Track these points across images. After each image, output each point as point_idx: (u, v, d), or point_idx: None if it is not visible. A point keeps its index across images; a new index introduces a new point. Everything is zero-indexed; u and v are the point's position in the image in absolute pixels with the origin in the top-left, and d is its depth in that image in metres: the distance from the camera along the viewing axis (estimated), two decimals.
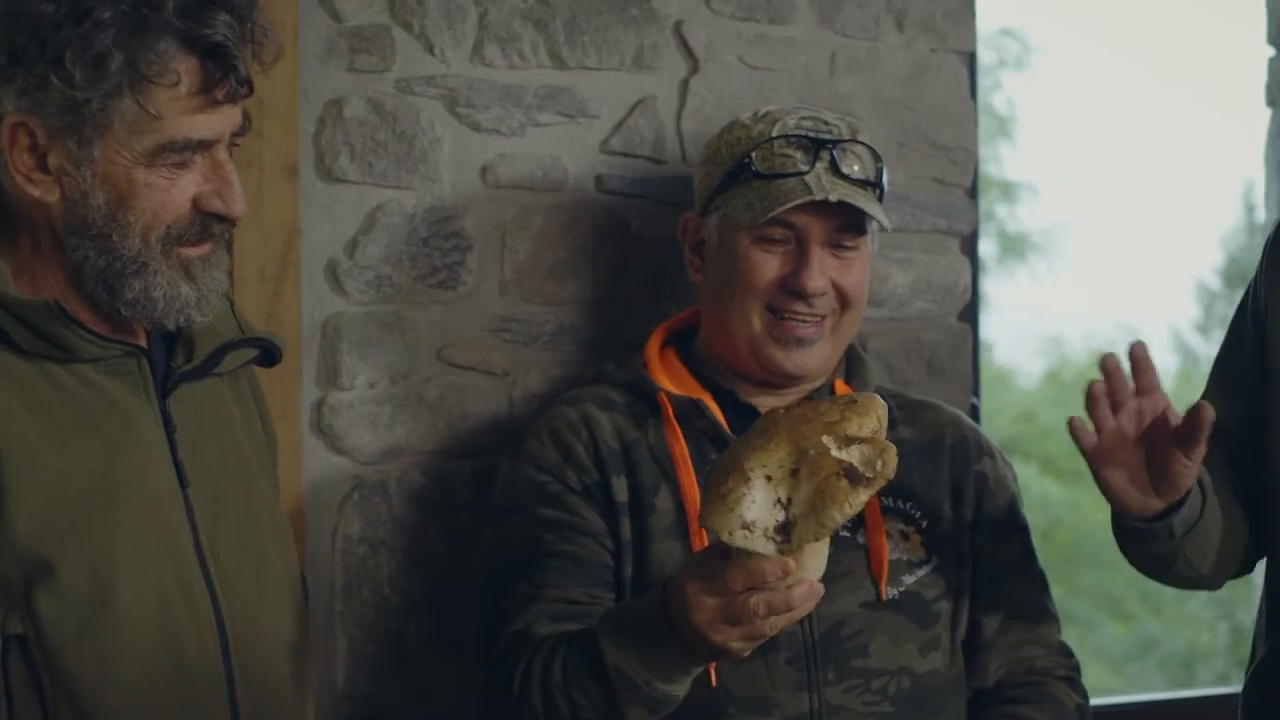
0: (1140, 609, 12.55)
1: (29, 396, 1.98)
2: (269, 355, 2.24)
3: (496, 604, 2.50)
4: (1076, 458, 2.45)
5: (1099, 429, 2.36)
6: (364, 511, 2.79)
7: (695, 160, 2.91)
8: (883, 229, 2.58)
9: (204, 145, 2.03)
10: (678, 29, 2.95)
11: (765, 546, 2.03)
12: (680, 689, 2.26)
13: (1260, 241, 2.70)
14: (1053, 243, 14.72)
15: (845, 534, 2.50)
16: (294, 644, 2.19)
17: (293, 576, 2.23)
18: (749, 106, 2.92)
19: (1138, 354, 2.36)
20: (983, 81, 10.56)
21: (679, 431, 2.55)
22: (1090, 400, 2.35)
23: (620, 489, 2.53)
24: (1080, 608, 12.22)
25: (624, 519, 2.51)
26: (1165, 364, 14.10)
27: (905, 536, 2.54)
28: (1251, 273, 2.63)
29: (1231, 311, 2.67)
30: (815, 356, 2.57)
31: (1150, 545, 2.42)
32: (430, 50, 2.81)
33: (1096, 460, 2.37)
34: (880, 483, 2.04)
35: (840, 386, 2.62)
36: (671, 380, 2.61)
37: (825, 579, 2.08)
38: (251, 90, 2.06)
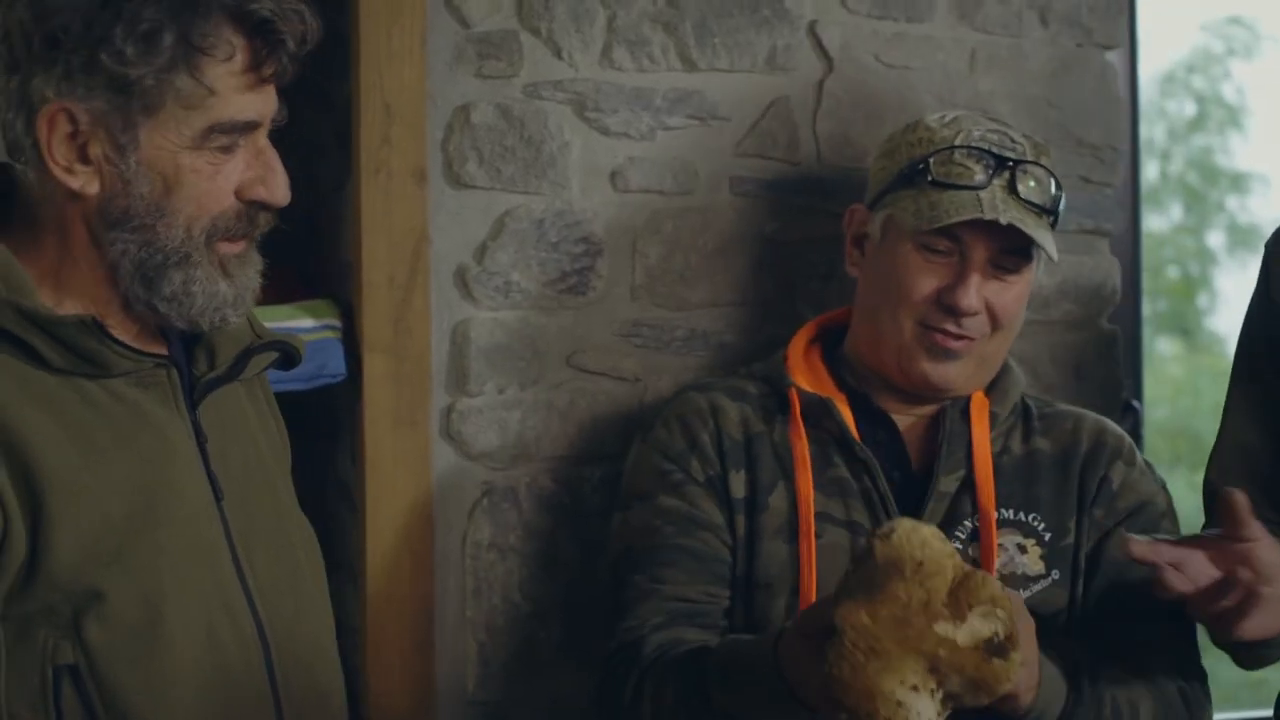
0: None
1: (64, 416, 1.91)
2: (288, 358, 2.17)
3: (615, 592, 2.50)
4: None
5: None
6: (493, 517, 2.78)
7: (830, 160, 2.88)
8: (1054, 257, 2.51)
9: (250, 127, 1.97)
10: (812, 29, 2.91)
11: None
12: None
13: None
14: None
15: (957, 546, 2.44)
16: (329, 651, 2.17)
17: (321, 583, 2.19)
18: (885, 106, 2.89)
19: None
20: (1211, 70, 10.34)
21: (803, 430, 2.51)
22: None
23: (738, 484, 2.50)
24: None
25: (739, 515, 2.49)
26: None
27: (1023, 550, 2.48)
28: None
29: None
30: (961, 371, 2.51)
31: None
32: (558, 54, 2.80)
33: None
34: (1012, 624, 1.99)
35: (979, 396, 2.55)
36: (808, 378, 2.57)
37: None
38: (299, 70, 1.99)
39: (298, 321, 2.71)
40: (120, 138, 1.91)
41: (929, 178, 2.48)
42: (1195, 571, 2.24)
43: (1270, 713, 2.58)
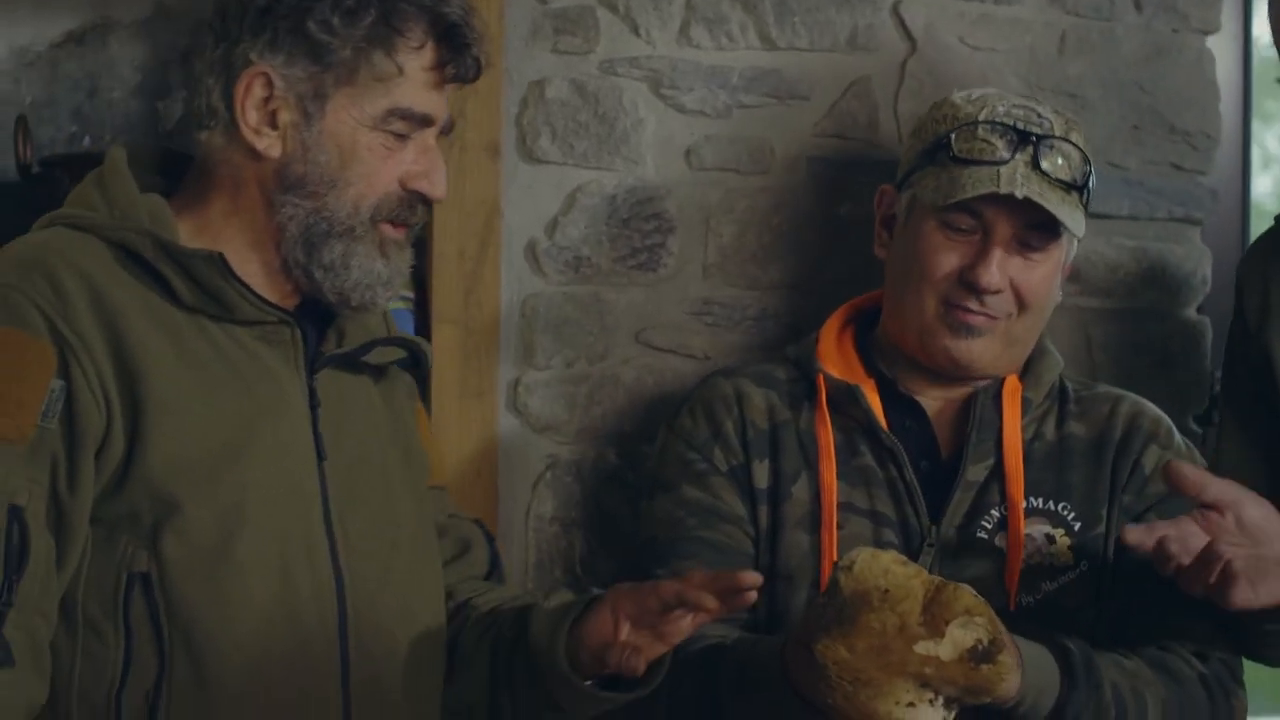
0: None
1: (184, 346, 2.06)
2: (415, 360, 2.29)
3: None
4: None
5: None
6: (557, 491, 2.80)
7: None
8: (1078, 234, 2.46)
9: (425, 122, 2.12)
10: (895, 9, 2.88)
11: None
12: None
13: None
14: None
15: (983, 536, 2.41)
16: (425, 628, 2.22)
17: (432, 573, 2.26)
18: (970, 89, 2.85)
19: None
20: None
21: (828, 418, 2.48)
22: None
23: (761, 475, 2.48)
24: None
25: (763, 506, 2.47)
26: None
27: (1051, 540, 2.42)
28: None
29: None
30: (986, 348, 2.45)
31: None
32: (635, 31, 2.80)
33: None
34: (994, 628, 2.01)
35: (1012, 381, 2.50)
36: (838, 362, 2.53)
37: None
38: (478, 75, 2.15)
39: None
40: (309, 106, 2.08)
41: (951, 153, 2.44)
42: (1195, 546, 2.20)
43: None
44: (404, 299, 2.76)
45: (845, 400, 2.49)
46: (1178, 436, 2.54)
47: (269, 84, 2.08)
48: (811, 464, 2.47)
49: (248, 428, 2.07)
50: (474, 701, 2.28)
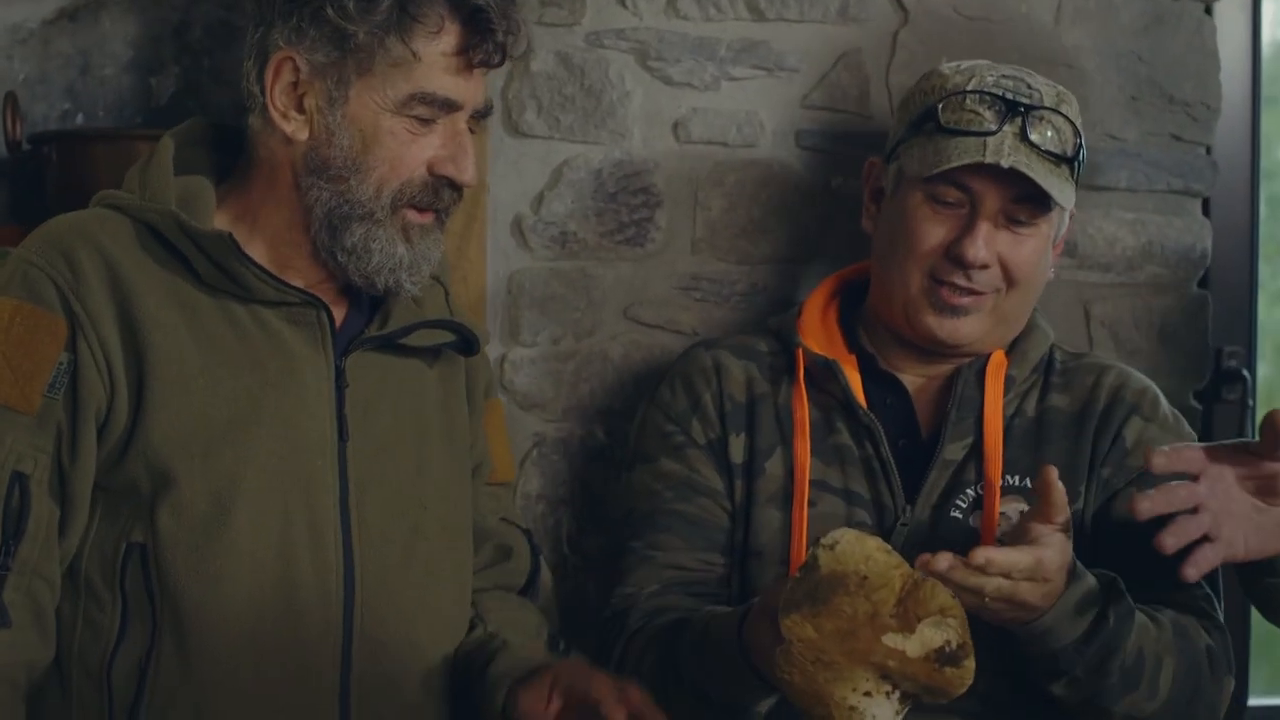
0: None
1: (199, 325, 2.11)
2: (467, 344, 2.30)
3: (615, 555, 2.50)
4: None
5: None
6: (544, 469, 2.78)
7: None
8: (1067, 206, 2.42)
9: (450, 107, 2.14)
10: None
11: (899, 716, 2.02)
12: (760, 704, 2.24)
13: None
14: None
15: (957, 515, 2.38)
16: (444, 613, 2.25)
17: (459, 560, 2.28)
18: (963, 59, 2.81)
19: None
20: None
21: (805, 394, 2.45)
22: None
23: (737, 449, 2.46)
24: None
25: (738, 480, 2.45)
26: None
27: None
28: None
29: None
30: (971, 326, 2.41)
31: None
32: (622, 3, 2.78)
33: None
34: (965, 632, 1.98)
35: (997, 358, 2.45)
36: (820, 337, 2.50)
37: None
38: (504, 60, 2.17)
39: None
40: (333, 91, 2.12)
41: (938, 124, 2.39)
42: (1210, 488, 2.14)
43: None
44: None
45: (824, 376, 2.45)
46: (1163, 407, 2.49)
47: (295, 69, 2.12)
48: (787, 439, 2.44)
49: (253, 407, 2.12)
50: None
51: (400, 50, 2.10)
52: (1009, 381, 2.45)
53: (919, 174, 2.39)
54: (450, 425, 2.30)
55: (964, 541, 2.34)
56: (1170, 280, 2.94)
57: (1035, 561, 2.09)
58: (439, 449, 2.27)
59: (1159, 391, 2.51)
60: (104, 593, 2.08)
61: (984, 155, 2.34)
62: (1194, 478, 2.15)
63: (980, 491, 2.39)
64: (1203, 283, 2.98)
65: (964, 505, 2.38)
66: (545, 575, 2.42)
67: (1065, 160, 2.39)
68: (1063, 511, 2.12)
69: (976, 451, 2.41)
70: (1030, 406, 2.46)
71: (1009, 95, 2.39)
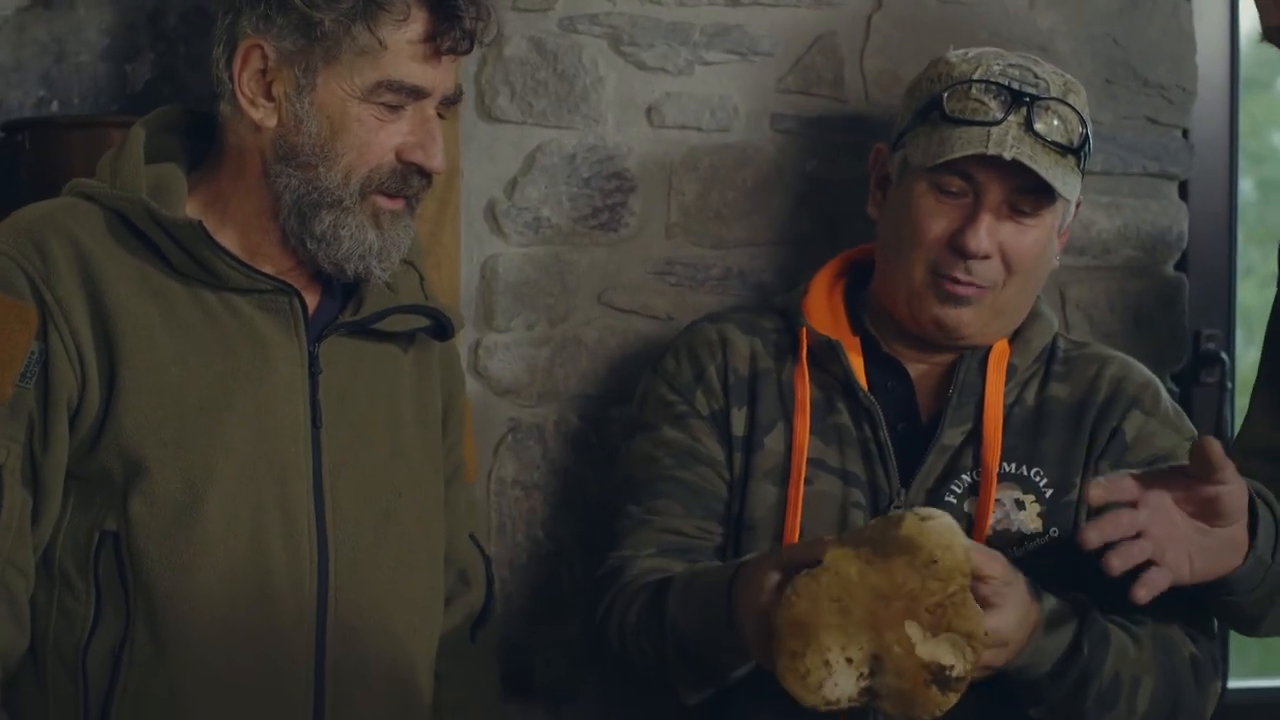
0: None
1: (171, 313, 2.11)
2: (442, 328, 2.31)
3: (612, 520, 2.49)
4: None
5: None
6: (518, 454, 2.77)
7: (878, 98, 2.80)
8: (1070, 197, 2.41)
9: (418, 94, 2.14)
10: None
11: (849, 703, 2.00)
12: (732, 669, 2.23)
13: None
14: None
15: (951, 500, 2.37)
16: (418, 599, 2.25)
17: (432, 548, 2.29)
18: (938, 42, 2.79)
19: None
20: None
21: (807, 372, 2.44)
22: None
23: (739, 421, 2.46)
24: None
25: (738, 453, 2.45)
26: None
27: (1021, 506, 2.37)
28: None
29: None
30: (975, 316, 2.40)
31: (1249, 588, 2.22)
32: None
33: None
34: (972, 670, 1.97)
35: (1000, 347, 2.44)
36: (826, 317, 2.49)
37: None
38: (472, 47, 2.16)
39: None
40: (301, 78, 2.11)
41: (942, 113, 2.38)
42: (1150, 514, 2.13)
43: None
44: None
45: (827, 356, 2.45)
46: (1165, 401, 2.47)
47: (263, 56, 2.12)
48: (788, 416, 2.44)
49: (226, 394, 2.11)
50: None
51: (367, 38, 2.09)
52: (1011, 370, 2.44)
53: (923, 164, 2.38)
54: (424, 411, 2.30)
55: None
56: (1146, 263, 2.94)
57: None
58: (413, 434, 2.27)
59: (1161, 385, 2.50)
60: (78, 581, 2.08)
61: (987, 146, 2.33)
62: (1133, 505, 2.14)
63: (976, 478, 2.38)
64: (1180, 266, 2.97)
65: (959, 491, 2.38)
66: (494, 604, 2.44)
67: (1071, 150, 2.38)
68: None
69: (975, 438, 2.41)
70: (1030, 395, 2.46)
71: (1014, 85, 2.37)
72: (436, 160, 2.16)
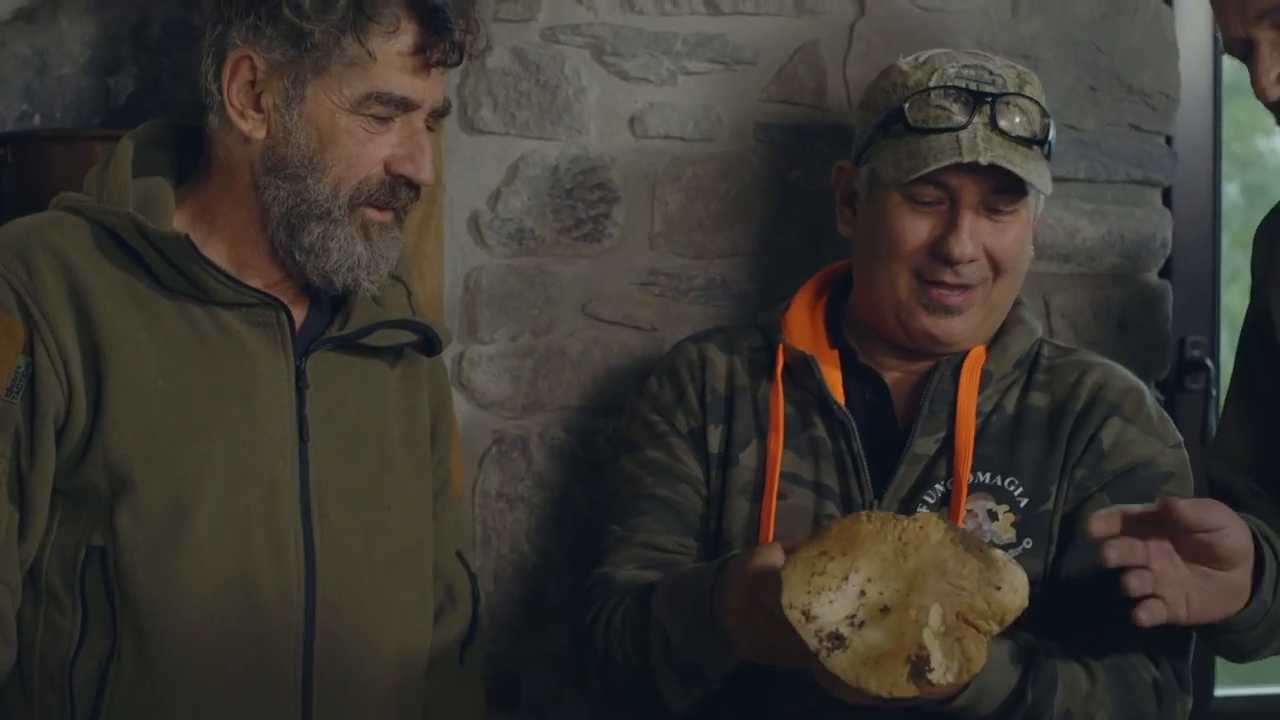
0: None
1: (158, 327, 2.10)
2: (429, 343, 2.30)
3: (598, 538, 2.50)
4: None
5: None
6: (503, 466, 2.77)
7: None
8: (1046, 191, 2.40)
9: (407, 105, 2.13)
10: None
11: (810, 640, 1.97)
12: (713, 671, 2.22)
13: None
14: None
15: (924, 510, 2.36)
16: (404, 620, 2.25)
17: (421, 561, 2.29)
18: (921, 51, 2.80)
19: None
20: None
21: (780, 388, 2.44)
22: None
23: (715, 439, 2.46)
24: None
25: (714, 470, 2.46)
26: None
27: (994, 516, 2.36)
28: None
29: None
30: (965, 323, 2.40)
31: (1249, 627, 2.20)
32: None
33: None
34: (938, 693, 1.97)
35: (975, 353, 2.43)
36: (805, 331, 2.49)
37: None
38: (461, 59, 2.16)
39: None
40: (290, 90, 2.11)
41: (906, 124, 2.37)
42: (1153, 551, 2.10)
43: None
44: None
45: (803, 371, 2.45)
46: (1148, 408, 2.45)
47: (253, 67, 2.11)
48: (762, 433, 2.45)
49: (212, 408, 2.11)
50: None
51: (356, 50, 2.09)
52: (986, 377, 2.43)
53: (897, 179, 2.37)
54: (411, 425, 2.29)
55: None
56: (1130, 270, 2.93)
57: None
58: (400, 449, 2.27)
59: (1146, 390, 2.48)
60: (64, 596, 2.08)
61: (961, 153, 2.32)
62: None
63: (949, 487, 2.37)
64: (1164, 272, 2.97)
65: (932, 501, 2.37)
66: (481, 623, 2.43)
67: (1037, 142, 2.38)
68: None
69: (948, 446, 2.40)
70: (1010, 403, 2.44)
71: (973, 85, 2.37)
72: (425, 172, 2.16)
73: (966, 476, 2.36)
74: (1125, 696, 2.28)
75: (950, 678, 1.96)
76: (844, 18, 2.83)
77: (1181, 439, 2.48)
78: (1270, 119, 2.34)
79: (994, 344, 2.46)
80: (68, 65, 2.74)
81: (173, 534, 2.07)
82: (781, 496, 2.40)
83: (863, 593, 1.97)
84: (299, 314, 2.20)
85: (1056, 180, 2.78)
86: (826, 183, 2.76)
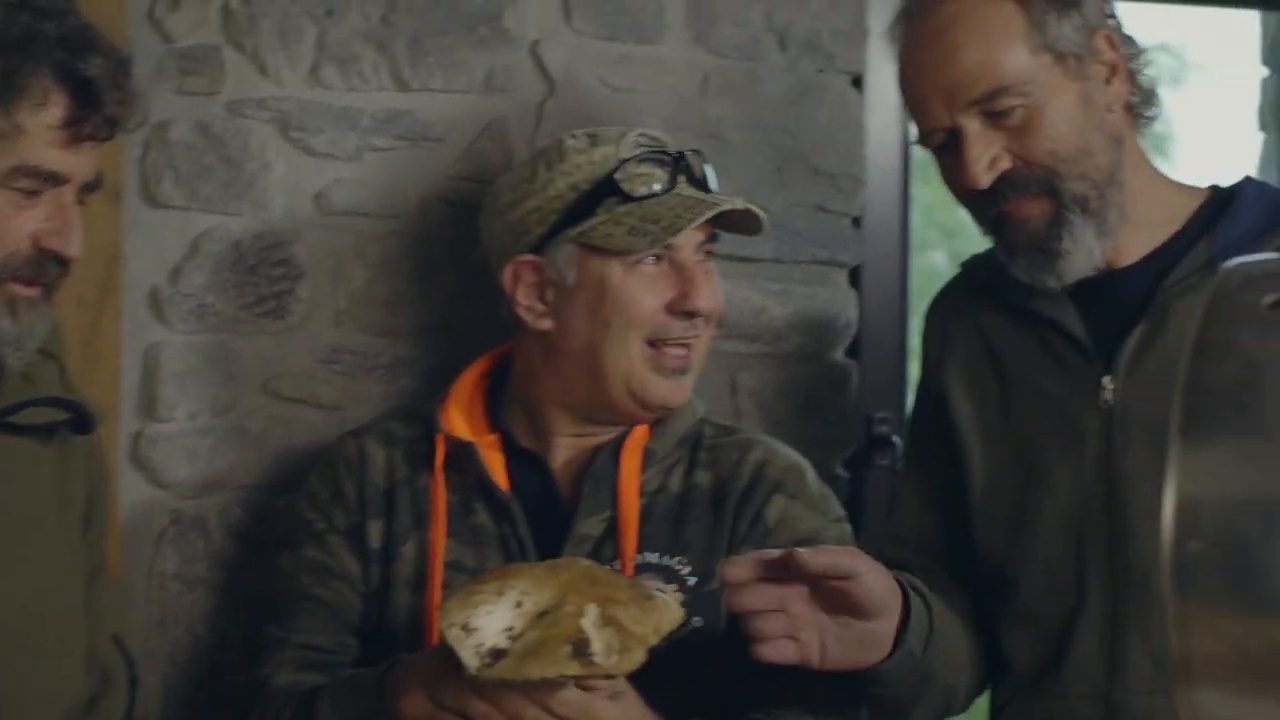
0: None
1: None
2: (83, 421, 2.21)
3: (255, 639, 2.47)
4: None
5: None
6: (180, 547, 2.71)
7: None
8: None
9: (57, 180, 2.05)
10: (533, 49, 2.82)
11: (468, 656, 1.98)
12: None
13: None
14: None
15: None
16: (57, 708, 2.16)
17: (73, 647, 2.20)
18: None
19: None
20: None
21: (440, 478, 2.42)
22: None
23: (375, 534, 2.44)
24: None
25: (374, 565, 2.43)
26: None
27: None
28: None
29: None
30: (689, 382, 2.43)
31: (895, 680, 2.21)
32: (264, 72, 2.72)
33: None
34: (601, 675, 1.98)
35: (638, 433, 2.43)
36: (464, 420, 2.47)
37: None
38: (113, 133, 2.09)
39: None
40: None
41: (624, 195, 2.37)
42: (788, 594, 2.12)
43: None
44: None
45: (463, 458, 2.43)
46: (810, 484, 2.47)
47: None
48: (422, 524, 2.42)
49: None
50: None
51: (3, 122, 2.02)
52: (649, 455, 2.43)
53: (652, 243, 2.35)
54: (64, 508, 2.22)
55: None
56: (816, 350, 2.96)
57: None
58: (52, 532, 2.19)
59: (807, 467, 2.50)
60: None
61: (704, 206, 2.36)
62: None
63: (617, 568, 2.37)
64: (851, 351, 3.00)
65: None
66: (135, 710, 2.36)
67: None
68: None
69: (615, 527, 2.39)
70: (675, 482, 2.45)
71: (662, 148, 2.42)
72: (74, 248, 2.09)
73: (633, 555, 2.36)
74: None
75: (614, 660, 1.97)
76: (533, 96, 2.83)
77: (844, 513, 2.51)
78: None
79: (656, 423, 2.46)
80: None
81: None
82: (446, 586, 2.37)
83: (519, 604, 2.01)
84: None
85: (744, 260, 2.83)
86: None
